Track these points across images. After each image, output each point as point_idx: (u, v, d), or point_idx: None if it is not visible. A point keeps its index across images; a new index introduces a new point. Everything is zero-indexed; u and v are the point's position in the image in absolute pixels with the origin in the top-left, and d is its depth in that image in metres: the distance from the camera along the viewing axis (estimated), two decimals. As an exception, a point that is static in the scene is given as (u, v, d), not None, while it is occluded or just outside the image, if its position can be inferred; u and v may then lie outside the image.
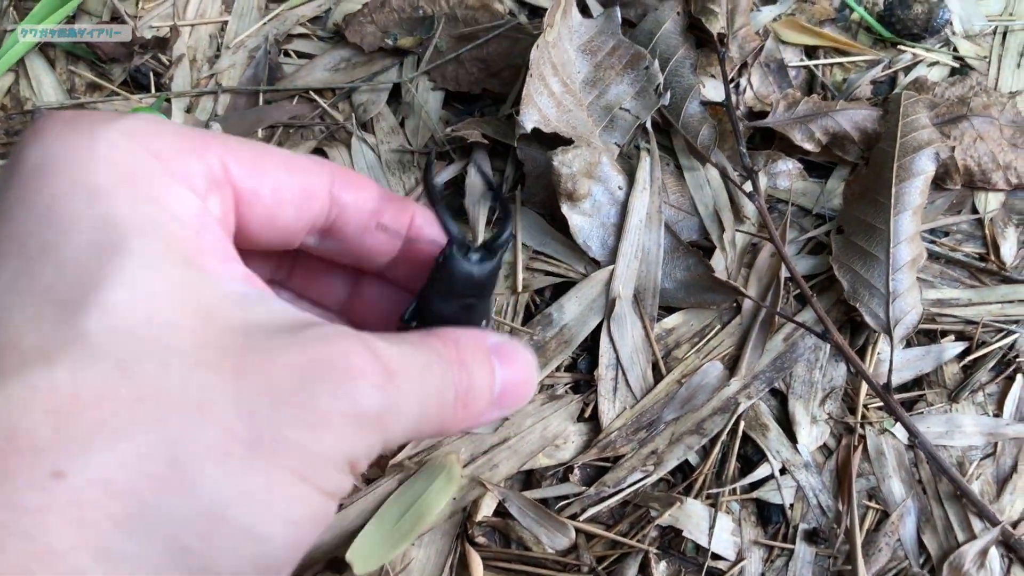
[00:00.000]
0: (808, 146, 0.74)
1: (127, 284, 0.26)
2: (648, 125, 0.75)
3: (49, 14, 0.78)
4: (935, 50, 0.83)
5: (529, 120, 0.69)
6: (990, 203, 0.76)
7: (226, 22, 0.81)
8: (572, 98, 0.73)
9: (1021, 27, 0.84)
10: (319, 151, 0.76)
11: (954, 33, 0.84)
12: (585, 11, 0.80)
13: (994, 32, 0.84)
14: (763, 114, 0.77)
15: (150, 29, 0.80)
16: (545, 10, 0.84)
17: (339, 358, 0.29)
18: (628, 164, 0.73)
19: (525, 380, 0.38)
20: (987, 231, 0.75)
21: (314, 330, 0.30)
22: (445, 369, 0.33)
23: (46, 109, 0.76)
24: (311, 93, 0.78)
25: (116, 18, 0.80)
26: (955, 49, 0.83)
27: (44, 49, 0.80)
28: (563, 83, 0.73)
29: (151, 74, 0.78)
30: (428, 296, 0.38)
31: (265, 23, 0.81)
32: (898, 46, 0.83)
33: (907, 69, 0.82)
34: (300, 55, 0.81)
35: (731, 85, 0.77)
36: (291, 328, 0.30)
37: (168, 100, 0.77)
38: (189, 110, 0.77)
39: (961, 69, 0.82)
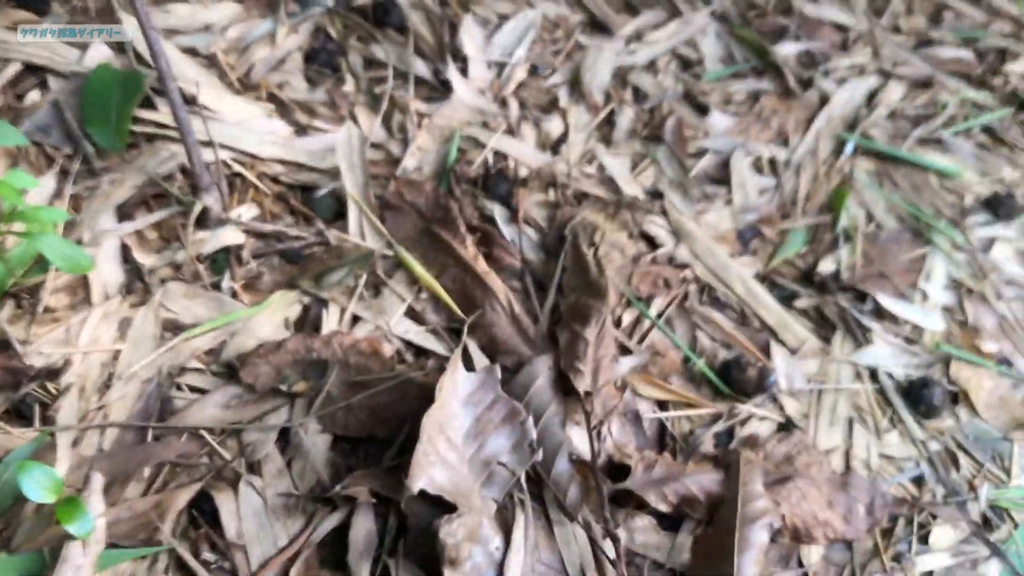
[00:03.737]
0: (662, 507, 0.83)
1: None
2: (523, 479, 0.81)
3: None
4: (764, 406, 0.96)
5: (417, 483, 0.74)
6: (812, 556, 0.87)
7: (120, 351, 0.83)
8: (455, 454, 0.79)
9: (832, 387, 0.99)
10: (204, 493, 0.77)
11: (780, 391, 0.97)
12: (468, 364, 0.88)
13: (810, 392, 0.98)
14: (622, 466, 0.86)
15: (40, 356, 0.81)
16: (429, 351, 0.91)
17: None
18: (504, 519, 0.78)
19: None
20: (813, 584, 0.85)
21: None
22: None
23: None
24: (200, 430, 0.80)
25: (4, 343, 0.81)
26: (781, 406, 0.96)
27: (-77, 374, 0.78)
28: (447, 440, 0.79)
29: (36, 405, 0.78)
30: None
31: (160, 353, 0.84)
32: (735, 401, 0.95)
33: (743, 422, 0.94)
34: (192, 389, 0.83)
35: (594, 433, 0.86)
36: None
37: (52, 435, 0.77)
38: (75, 444, 0.78)
39: (786, 425, 0.95)
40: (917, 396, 0.99)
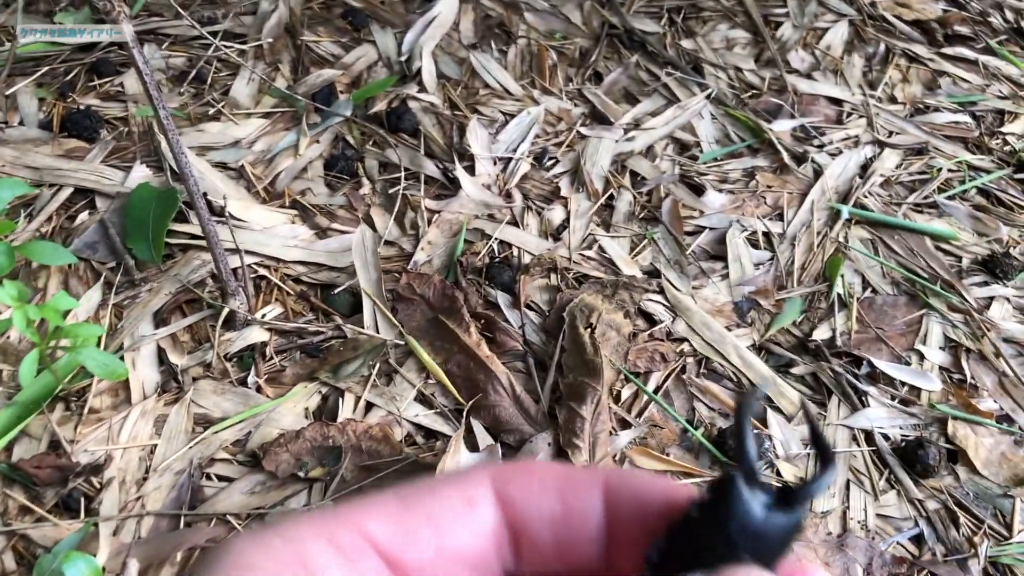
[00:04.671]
0: (657, 574, 0.88)
1: None
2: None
3: (-7, 440, 0.88)
4: (763, 474, 1.00)
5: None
6: (812, 617, 0.90)
7: (155, 445, 0.92)
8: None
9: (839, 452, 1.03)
10: None
11: (777, 457, 1.01)
12: (473, 444, 0.95)
13: (806, 456, 1.02)
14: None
15: (85, 453, 0.90)
16: (438, 433, 0.98)
17: None
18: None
19: None
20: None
21: None
22: None
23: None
24: (228, 516, 0.88)
25: (55, 443, 0.90)
26: (777, 471, 1.00)
27: (-17, 473, 0.88)
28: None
29: (82, 498, 0.87)
30: (681, 540, 0.30)
31: (191, 446, 0.92)
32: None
33: (740, 489, 0.99)
34: (220, 478, 0.92)
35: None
36: None
37: (95, 525, 0.86)
38: (115, 533, 0.86)
39: (783, 490, 0.99)
40: (912, 457, 1.02)
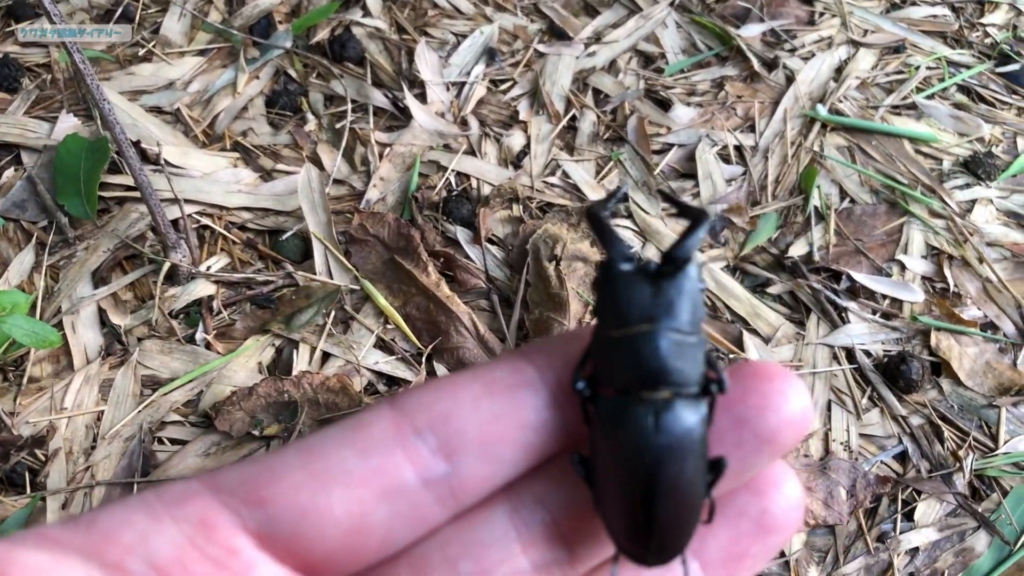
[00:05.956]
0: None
1: None
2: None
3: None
4: (739, 398, 0.96)
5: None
6: (794, 543, 0.88)
7: (102, 412, 0.88)
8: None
9: (808, 372, 0.99)
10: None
11: (754, 381, 0.98)
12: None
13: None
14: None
15: (27, 425, 0.86)
16: (399, 380, 0.94)
17: None
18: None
19: None
20: (792, 572, 0.86)
21: None
22: None
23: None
24: (183, 481, 0.84)
25: (-6, 416, 0.86)
26: (756, 396, 0.97)
27: (-79, 454, 0.84)
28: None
29: (26, 472, 0.83)
30: (599, 355, 0.29)
31: (140, 411, 0.88)
32: (708, 396, 0.96)
33: (717, 417, 0.95)
34: (173, 441, 0.87)
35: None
36: None
37: (43, 499, 0.82)
38: (64, 506, 0.82)
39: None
40: (895, 372, 0.98)
